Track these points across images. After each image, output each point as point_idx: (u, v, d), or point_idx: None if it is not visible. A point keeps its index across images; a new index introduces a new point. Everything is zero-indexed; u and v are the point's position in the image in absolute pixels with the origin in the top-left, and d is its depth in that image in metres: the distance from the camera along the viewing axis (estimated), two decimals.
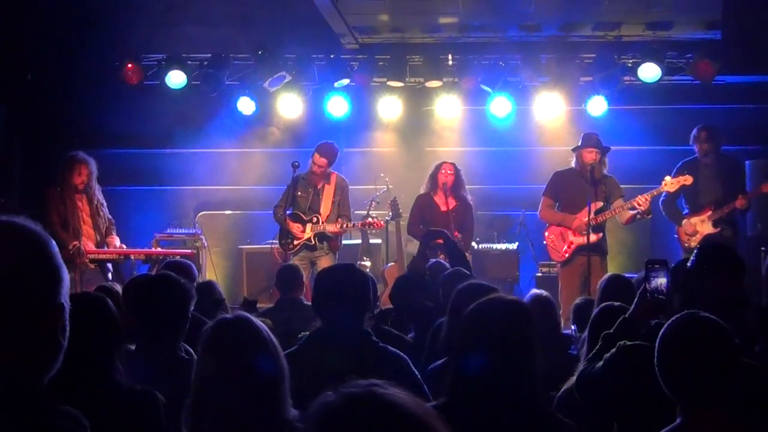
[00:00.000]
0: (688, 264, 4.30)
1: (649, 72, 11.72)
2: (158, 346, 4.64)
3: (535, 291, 6.41)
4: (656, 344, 3.35)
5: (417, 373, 4.57)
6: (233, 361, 3.45)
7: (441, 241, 7.77)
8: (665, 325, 3.38)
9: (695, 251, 4.38)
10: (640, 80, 11.83)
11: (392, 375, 4.35)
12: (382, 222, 11.12)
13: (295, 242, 10.78)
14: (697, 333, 3.29)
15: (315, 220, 10.85)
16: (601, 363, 4.09)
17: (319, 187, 10.95)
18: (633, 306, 4.28)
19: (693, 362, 3.24)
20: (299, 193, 10.85)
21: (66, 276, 2.14)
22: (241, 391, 3.40)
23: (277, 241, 11.14)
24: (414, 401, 1.81)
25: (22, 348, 2.04)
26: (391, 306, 7.21)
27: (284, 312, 7.43)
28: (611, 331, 4.25)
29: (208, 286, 7.20)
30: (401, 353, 4.66)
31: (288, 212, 10.90)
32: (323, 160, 10.81)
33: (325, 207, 10.90)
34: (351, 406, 1.78)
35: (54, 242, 2.16)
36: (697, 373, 3.24)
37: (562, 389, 4.78)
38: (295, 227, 10.75)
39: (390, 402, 1.78)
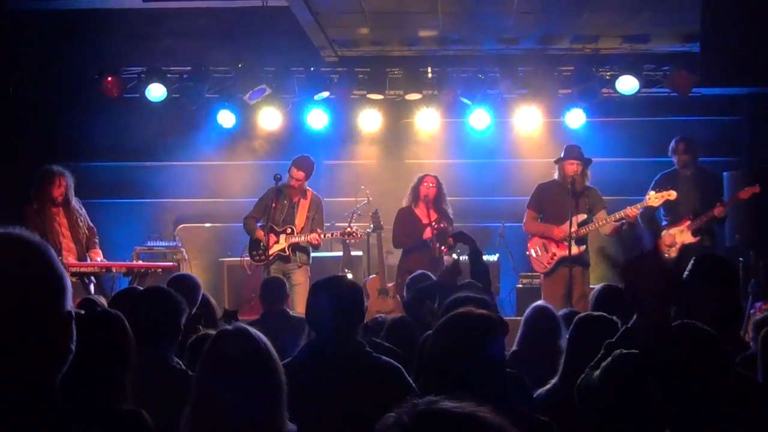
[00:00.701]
0: (684, 276, 4.35)
1: (627, 84, 11.83)
2: (150, 357, 4.65)
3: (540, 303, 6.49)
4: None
5: (411, 383, 4.61)
6: (232, 372, 3.46)
7: (451, 240, 7.73)
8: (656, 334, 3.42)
9: (691, 263, 4.43)
10: (618, 93, 11.92)
11: (386, 385, 4.42)
12: (360, 232, 11.11)
13: (269, 253, 10.69)
14: (686, 342, 3.34)
15: (289, 231, 10.82)
16: (598, 371, 4.13)
17: (295, 200, 10.94)
18: (635, 316, 4.33)
19: (681, 371, 3.29)
20: (274, 205, 10.80)
21: (69, 284, 2.19)
22: (239, 403, 3.42)
23: (247, 253, 11.12)
24: (480, 408, 1.81)
25: (35, 357, 2.08)
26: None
27: (270, 324, 7.43)
28: (613, 340, 4.30)
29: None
30: (395, 363, 4.69)
31: (258, 225, 10.89)
32: (300, 173, 10.82)
33: (300, 220, 10.89)
34: (423, 422, 1.77)
35: (52, 250, 2.20)
36: (686, 382, 3.28)
37: (540, 390, 4.88)
38: (268, 238, 10.65)
39: (461, 414, 1.79)
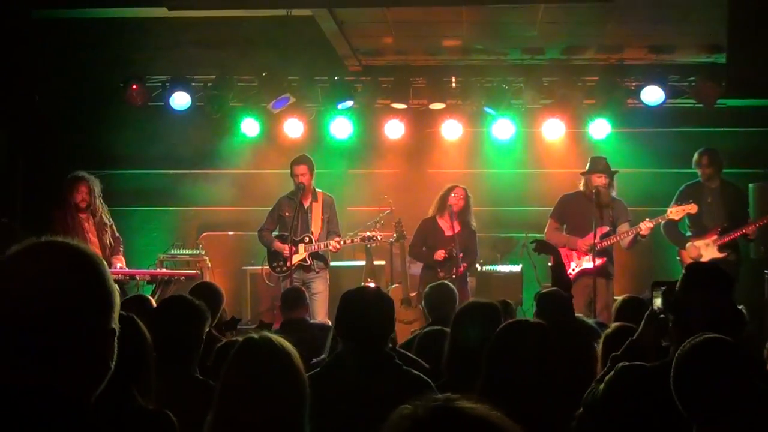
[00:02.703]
0: (677, 285, 4.34)
1: (653, 95, 11.75)
2: (171, 367, 4.63)
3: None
4: (672, 365, 3.38)
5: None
6: (256, 381, 3.44)
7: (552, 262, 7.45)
8: (682, 346, 3.41)
9: (682, 272, 4.42)
10: (643, 103, 11.86)
11: (414, 398, 4.39)
12: (380, 235, 11.06)
13: (288, 264, 10.63)
14: (713, 354, 3.33)
15: (307, 239, 10.79)
16: (602, 384, 4.13)
17: (307, 205, 10.90)
18: (640, 328, 4.32)
19: (708, 383, 3.28)
20: (286, 214, 10.78)
21: (117, 300, 2.17)
22: (261, 412, 3.40)
23: (267, 264, 11.10)
24: (493, 413, 1.81)
25: (74, 371, 2.06)
26: None
27: (290, 333, 7.42)
28: (619, 352, 4.29)
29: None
30: (424, 376, 4.67)
31: (274, 235, 10.88)
32: (301, 167, 10.79)
33: (316, 226, 10.86)
34: (437, 419, 1.77)
35: (106, 265, 2.18)
36: (712, 394, 3.27)
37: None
38: (290, 249, 10.61)
39: (475, 415, 1.78)
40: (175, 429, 3.79)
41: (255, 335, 3.64)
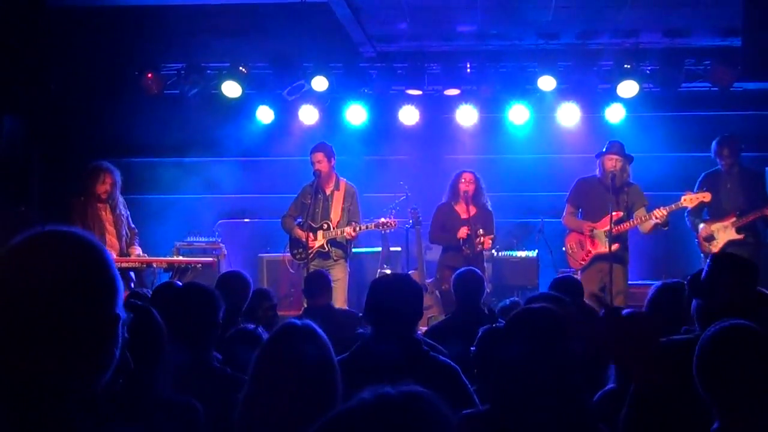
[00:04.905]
0: (702, 274, 4.33)
1: (629, 90, 11.89)
2: (189, 356, 4.60)
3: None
4: (696, 350, 3.36)
5: (467, 383, 4.59)
6: (292, 371, 3.42)
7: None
8: (705, 332, 3.40)
9: (708, 261, 4.41)
10: (620, 98, 12.01)
11: (442, 385, 4.39)
12: (395, 221, 10.99)
13: (309, 251, 10.65)
14: (735, 339, 3.31)
15: (326, 226, 10.76)
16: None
17: (328, 193, 10.87)
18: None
19: (730, 369, 3.26)
20: (308, 201, 10.77)
21: (121, 286, 2.18)
22: (293, 400, 3.38)
23: (288, 251, 11.12)
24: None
25: (75, 358, 2.07)
26: None
27: (314, 318, 7.40)
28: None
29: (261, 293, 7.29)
30: (452, 363, 4.68)
31: (297, 221, 10.88)
32: (319, 155, 10.75)
33: (335, 213, 10.82)
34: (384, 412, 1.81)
35: (109, 253, 2.19)
36: (734, 380, 3.25)
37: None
38: (306, 235, 10.61)
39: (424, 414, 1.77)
40: (200, 418, 3.79)
41: (297, 321, 3.63)
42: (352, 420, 1.80)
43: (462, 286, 7.44)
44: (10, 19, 10.28)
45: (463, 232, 10.44)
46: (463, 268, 7.85)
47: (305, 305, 8.43)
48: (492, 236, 10.58)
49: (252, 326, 5.70)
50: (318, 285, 8.16)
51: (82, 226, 10.12)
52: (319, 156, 10.74)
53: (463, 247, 10.37)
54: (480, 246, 10.32)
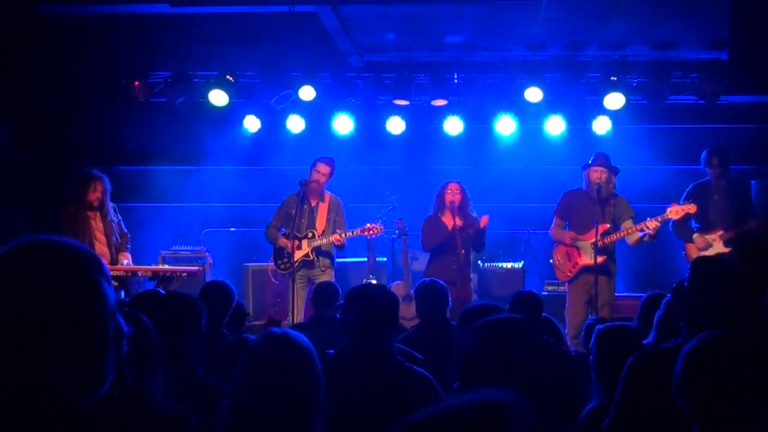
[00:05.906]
0: (685, 283, 4.32)
1: (616, 102, 11.94)
2: (168, 364, 4.55)
3: None
4: (677, 364, 3.33)
5: (441, 392, 4.59)
6: (271, 378, 3.40)
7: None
8: (685, 346, 3.37)
9: (689, 270, 4.39)
10: (606, 110, 12.02)
11: (417, 394, 4.39)
12: (381, 226, 10.92)
13: (294, 260, 10.56)
14: (713, 352, 3.28)
15: (311, 235, 10.74)
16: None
17: (314, 204, 10.86)
18: None
19: (709, 382, 3.23)
20: (293, 212, 10.68)
21: (110, 296, 2.12)
22: (279, 407, 3.36)
23: (272, 262, 11.09)
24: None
25: (69, 372, 2.02)
26: None
27: (319, 329, 7.37)
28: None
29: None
30: (426, 372, 4.67)
31: (281, 232, 10.85)
32: (327, 168, 10.75)
33: (320, 223, 10.79)
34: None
35: (100, 260, 2.15)
36: (713, 394, 3.23)
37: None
38: (292, 244, 10.55)
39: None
40: (195, 430, 3.74)
41: (276, 331, 3.61)
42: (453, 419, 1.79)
43: (424, 297, 7.09)
44: (0, 27, 10.27)
45: (485, 219, 10.36)
46: (426, 279, 7.67)
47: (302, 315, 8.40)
48: (486, 215, 10.48)
49: (252, 336, 5.67)
50: (330, 295, 8.09)
51: (72, 236, 10.15)
52: (326, 169, 10.74)
53: (458, 250, 10.32)
54: (477, 225, 10.30)
